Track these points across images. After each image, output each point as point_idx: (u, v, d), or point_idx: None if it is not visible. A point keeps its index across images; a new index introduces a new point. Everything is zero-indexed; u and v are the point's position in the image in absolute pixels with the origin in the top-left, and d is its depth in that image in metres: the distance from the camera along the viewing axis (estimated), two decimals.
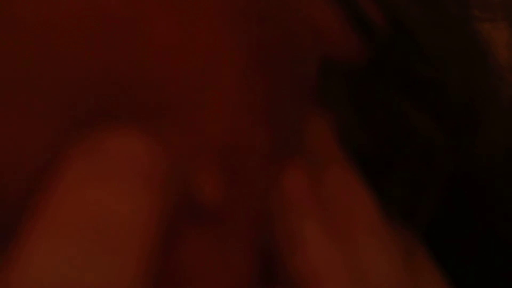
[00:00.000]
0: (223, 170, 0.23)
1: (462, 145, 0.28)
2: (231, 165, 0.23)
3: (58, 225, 0.20)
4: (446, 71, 0.29)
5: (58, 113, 0.21)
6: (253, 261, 0.24)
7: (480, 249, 0.30)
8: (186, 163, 0.23)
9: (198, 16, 0.23)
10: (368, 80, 0.28)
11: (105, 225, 0.20)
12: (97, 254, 0.20)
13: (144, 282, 0.20)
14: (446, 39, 0.29)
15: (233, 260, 0.24)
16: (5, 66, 0.21)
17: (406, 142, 0.28)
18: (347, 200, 0.25)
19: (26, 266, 0.19)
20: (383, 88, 0.28)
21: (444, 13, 0.30)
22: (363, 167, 0.26)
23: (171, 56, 0.22)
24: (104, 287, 0.19)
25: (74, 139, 0.21)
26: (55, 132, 0.21)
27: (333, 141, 0.26)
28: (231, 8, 0.23)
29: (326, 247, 0.24)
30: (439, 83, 0.29)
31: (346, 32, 0.27)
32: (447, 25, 0.29)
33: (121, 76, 0.22)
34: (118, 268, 0.20)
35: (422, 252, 0.27)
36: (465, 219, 0.30)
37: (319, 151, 0.26)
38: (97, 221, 0.20)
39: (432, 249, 0.28)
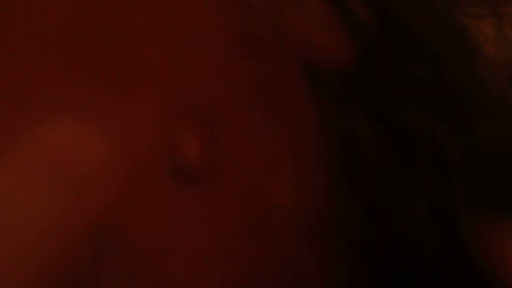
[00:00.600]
0: (204, 130, 0.23)
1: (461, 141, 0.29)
2: (212, 124, 0.24)
3: None
4: (439, 68, 0.29)
5: None
6: (242, 225, 0.24)
7: None
8: (168, 124, 0.23)
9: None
10: (363, 82, 0.28)
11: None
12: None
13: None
14: (438, 35, 0.29)
15: (221, 223, 0.24)
16: None
17: (410, 141, 0.28)
18: None
19: None
20: (378, 89, 0.28)
21: (434, 10, 0.30)
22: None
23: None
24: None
25: None
26: None
27: None
28: None
29: None
30: (433, 81, 0.29)
31: (334, 33, 0.27)
32: (438, 22, 0.30)
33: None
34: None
35: None
36: None
37: None
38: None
39: None
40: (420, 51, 0.29)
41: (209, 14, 0.25)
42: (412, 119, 0.28)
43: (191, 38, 0.24)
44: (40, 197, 0.20)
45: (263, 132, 0.25)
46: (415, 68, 0.28)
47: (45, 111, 0.22)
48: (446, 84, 0.29)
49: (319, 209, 0.26)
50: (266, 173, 0.25)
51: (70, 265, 0.20)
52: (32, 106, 0.22)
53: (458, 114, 0.29)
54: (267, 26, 0.26)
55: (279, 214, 0.25)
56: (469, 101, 0.29)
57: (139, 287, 0.23)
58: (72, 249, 0.20)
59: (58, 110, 0.22)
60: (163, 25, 0.24)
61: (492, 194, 0.29)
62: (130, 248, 0.23)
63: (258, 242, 0.24)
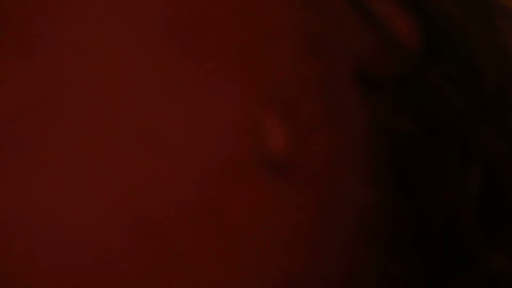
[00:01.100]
0: (287, 119, 0.25)
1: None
2: (293, 114, 0.25)
3: None
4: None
5: None
6: (317, 217, 0.25)
7: None
8: (255, 112, 0.24)
9: None
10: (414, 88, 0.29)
11: None
12: None
13: None
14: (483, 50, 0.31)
15: (296, 213, 0.25)
16: None
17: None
18: None
19: None
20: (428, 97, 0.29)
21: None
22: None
23: None
24: None
25: None
26: None
27: None
28: None
29: None
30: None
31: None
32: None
33: None
34: None
35: None
36: None
37: None
38: None
39: None
40: (466, 65, 0.30)
41: (281, 10, 0.26)
42: (462, 127, 0.29)
43: (267, 30, 0.25)
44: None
45: (331, 129, 0.26)
46: (462, 80, 0.29)
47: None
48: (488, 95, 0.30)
49: (369, 207, 0.27)
50: (336, 167, 0.26)
51: None
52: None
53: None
54: (331, 27, 0.27)
55: (346, 206, 0.26)
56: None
57: None
58: None
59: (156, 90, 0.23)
60: (243, 15, 0.25)
61: None
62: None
63: (332, 234, 0.26)
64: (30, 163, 0.23)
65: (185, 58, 0.24)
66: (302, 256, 0.25)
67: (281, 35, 0.26)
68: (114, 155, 0.23)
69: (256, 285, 0.24)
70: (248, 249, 0.24)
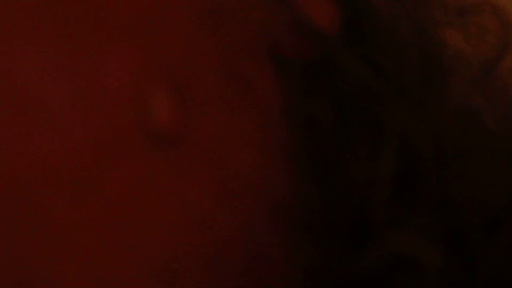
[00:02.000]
0: (176, 93, 0.24)
1: None
2: (184, 87, 0.25)
3: None
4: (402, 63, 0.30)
5: None
6: (212, 189, 0.25)
7: None
8: (142, 85, 0.24)
9: None
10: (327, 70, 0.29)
11: None
12: None
13: None
14: (404, 32, 0.30)
15: (190, 186, 0.25)
16: None
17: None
18: None
19: None
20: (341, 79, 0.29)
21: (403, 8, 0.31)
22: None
23: None
24: None
25: None
26: None
27: None
28: None
29: None
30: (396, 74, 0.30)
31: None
32: (406, 20, 0.30)
33: None
34: None
35: None
36: None
37: None
38: None
39: None
40: (386, 47, 0.29)
41: None
42: (377, 109, 0.28)
43: (161, 6, 0.25)
44: None
45: (230, 105, 0.26)
46: (381, 61, 0.29)
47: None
48: (407, 78, 0.29)
49: (283, 190, 0.27)
50: (233, 143, 0.26)
51: None
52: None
53: (422, 107, 0.29)
54: (233, 3, 0.27)
55: (246, 184, 0.26)
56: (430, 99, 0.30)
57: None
58: None
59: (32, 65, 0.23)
60: None
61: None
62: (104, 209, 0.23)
63: (226, 209, 0.25)
64: None
65: (75, 34, 0.24)
66: (194, 235, 0.25)
67: (178, 13, 0.26)
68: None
69: (134, 260, 0.24)
70: (129, 222, 0.24)
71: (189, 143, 0.25)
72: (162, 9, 0.25)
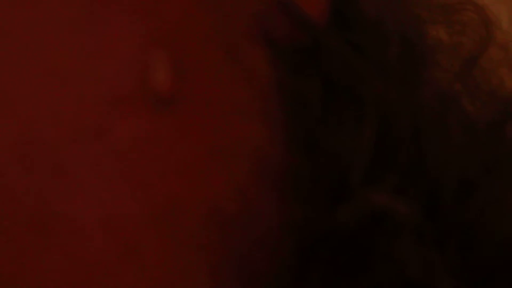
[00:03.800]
0: (174, 60, 0.27)
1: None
2: (181, 56, 0.27)
3: None
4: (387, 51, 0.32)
5: None
6: (208, 149, 0.27)
7: None
8: (145, 51, 0.27)
9: None
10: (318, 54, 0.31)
11: None
12: None
13: None
14: (391, 22, 0.33)
15: (187, 144, 0.27)
16: None
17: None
18: None
19: None
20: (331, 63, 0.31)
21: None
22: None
23: None
24: None
25: None
26: None
27: None
28: None
29: None
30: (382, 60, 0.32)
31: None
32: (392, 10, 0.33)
33: None
34: None
35: None
36: None
37: None
38: None
39: None
40: (370, 34, 0.32)
41: None
42: (360, 87, 0.31)
43: None
44: None
45: (225, 76, 0.29)
46: (365, 46, 0.32)
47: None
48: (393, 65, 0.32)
49: (277, 157, 0.29)
50: (227, 109, 0.28)
51: None
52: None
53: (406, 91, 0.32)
54: None
55: (240, 146, 0.28)
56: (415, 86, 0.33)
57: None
58: None
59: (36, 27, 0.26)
60: None
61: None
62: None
63: (223, 169, 0.28)
64: None
65: (91, 5, 0.27)
66: (189, 186, 0.27)
67: None
68: (18, 82, 0.26)
69: (137, 206, 0.26)
70: (132, 170, 0.26)
71: (184, 105, 0.27)
72: None
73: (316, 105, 0.31)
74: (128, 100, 0.27)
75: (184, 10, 0.28)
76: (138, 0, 0.27)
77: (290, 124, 0.31)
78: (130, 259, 0.26)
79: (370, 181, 0.29)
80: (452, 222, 0.30)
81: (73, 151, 0.26)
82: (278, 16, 0.31)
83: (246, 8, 0.30)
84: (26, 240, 0.26)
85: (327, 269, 0.29)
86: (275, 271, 0.29)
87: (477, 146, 0.33)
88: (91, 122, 0.26)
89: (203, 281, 0.27)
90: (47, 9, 0.26)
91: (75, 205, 0.26)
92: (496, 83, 0.36)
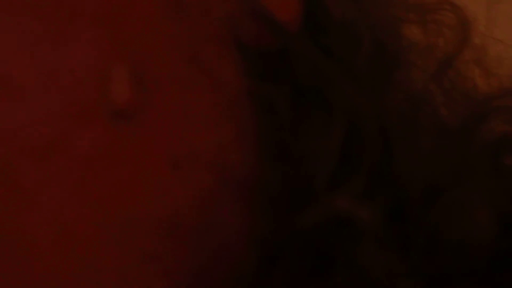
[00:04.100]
0: (136, 74, 0.27)
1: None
2: (144, 69, 0.27)
3: None
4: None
5: None
6: (168, 163, 0.27)
7: None
8: (105, 65, 0.27)
9: None
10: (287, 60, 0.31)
11: None
12: None
13: None
14: (362, 24, 0.33)
15: (146, 158, 0.27)
16: None
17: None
18: None
19: None
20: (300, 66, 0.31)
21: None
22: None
23: None
24: None
25: None
26: None
27: None
28: None
29: None
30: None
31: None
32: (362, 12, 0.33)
33: None
34: None
35: None
36: None
37: None
38: None
39: None
40: (341, 37, 0.32)
41: None
42: (329, 92, 0.31)
43: None
44: None
45: (188, 86, 0.29)
46: (335, 50, 0.32)
47: None
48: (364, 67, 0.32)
49: (245, 165, 0.29)
50: (190, 120, 0.28)
51: None
52: None
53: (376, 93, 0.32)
54: None
55: (203, 158, 0.28)
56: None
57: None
58: None
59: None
60: None
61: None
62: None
63: (183, 181, 0.28)
64: None
65: (48, 16, 0.27)
66: (146, 198, 0.27)
67: (144, 1, 0.28)
68: None
69: (93, 219, 0.26)
70: (89, 183, 0.26)
71: (144, 117, 0.27)
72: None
73: (285, 110, 0.31)
74: (85, 113, 0.27)
75: (148, 21, 0.28)
76: (102, 14, 0.27)
77: (260, 130, 0.31)
78: (85, 273, 0.26)
79: (335, 186, 0.30)
80: (417, 226, 0.30)
81: (28, 164, 0.26)
82: (248, 20, 0.31)
83: (214, 14, 0.30)
84: None
85: (290, 275, 0.29)
86: (236, 282, 0.29)
87: (448, 149, 0.33)
88: (46, 135, 0.26)
89: None
90: (10, 22, 0.26)
91: (29, 219, 0.26)
92: (470, 84, 0.36)
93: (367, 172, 0.30)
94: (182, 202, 0.28)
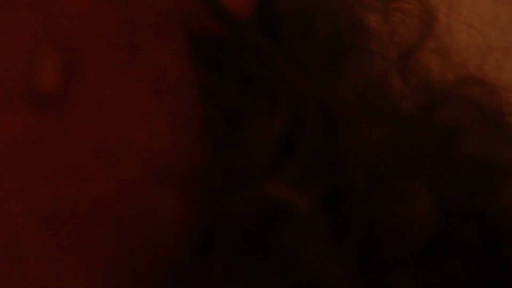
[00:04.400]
0: (66, 60, 0.27)
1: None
2: (76, 55, 0.28)
3: None
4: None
5: None
6: (96, 149, 0.28)
7: None
8: (35, 51, 0.27)
9: None
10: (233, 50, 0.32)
11: None
12: None
13: None
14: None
15: (74, 144, 0.27)
16: None
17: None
18: None
19: None
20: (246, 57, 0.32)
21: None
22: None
23: None
24: None
25: None
26: None
27: None
28: None
29: None
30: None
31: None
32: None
33: None
34: None
35: None
36: None
37: None
38: None
39: None
40: (298, 28, 0.32)
41: None
42: (275, 82, 0.31)
43: None
44: None
45: (123, 75, 0.29)
46: (288, 39, 0.32)
47: None
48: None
49: (186, 160, 0.30)
50: (120, 109, 0.28)
51: None
52: None
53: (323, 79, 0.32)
54: None
55: (131, 147, 0.28)
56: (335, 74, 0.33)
57: None
58: None
59: None
60: None
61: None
62: None
63: (112, 168, 0.28)
64: None
65: None
66: (72, 187, 0.27)
67: None
68: None
69: (21, 208, 0.27)
70: (16, 172, 0.27)
71: (73, 105, 0.28)
72: None
73: (231, 99, 0.31)
74: (12, 100, 0.27)
75: (84, 9, 0.28)
76: (35, 3, 0.28)
77: (205, 120, 0.31)
78: (12, 261, 0.26)
79: (273, 172, 0.30)
80: (355, 213, 0.30)
81: None
82: (197, 8, 0.31)
83: (161, 6, 0.30)
84: None
85: (224, 263, 0.29)
86: (166, 272, 0.29)
87: (397, 137, 0.33)
88: None
89: (81, 283, 0.27)
90: None
91: None
92: (429, 73, 0.37)
93: (306, 158, 0.30)
94: (108, 189, 0.28)
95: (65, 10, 0.28)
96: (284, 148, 0.31)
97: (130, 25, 0.29)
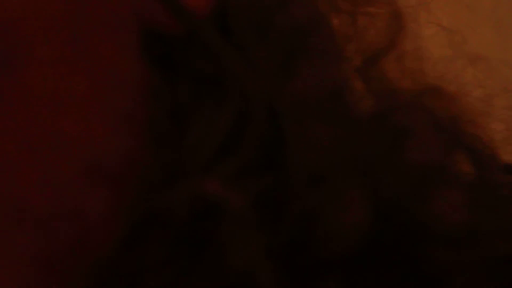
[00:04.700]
0: (3, 53, 0.27)
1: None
2: (8, 50, 0.27)
3: None
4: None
5: None
6: (16, 146, 0.27)
7: None
8: None
9: None
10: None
11: None
12: None
13: None
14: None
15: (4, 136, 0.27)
16: None
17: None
18: None
19: None
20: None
21: None
22: None
23: None
24: None
25: None
26: None
27: None
28: None
29: None
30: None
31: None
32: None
33: None
34: None
35: None
36: None
37: None
38: None
39: None
40: (249, 28, 0.33)
41: None
42: (226, 80, 0.32)
43: None
44: None
45: (65, 68, 0.29)
46: (243, 38, 0.33)
47: None
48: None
49: (122, 157, 0.30)
50: (56, 103, 0.28)
51: None
52: None
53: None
54: None
55: (65, 147, 0.28)
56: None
57: None
58: None
59: None
60: None
61: None
62: None
63: (35, 168, 0.28)
64: None
65: None
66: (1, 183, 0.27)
67: None
68: None
69: None
70: None
71: (8, 100, 0.27)
72: None
73: (180, 97, 0.32)
74: None
75: (25, 1, 0.28)
76: None
77: (153, 117, 0.31)
78: None
79: (212, 168, 0.30)
80: (291, 212, 0.31)
81: None
82: (153, 4, 0.32)
83: (115, 2, 0.30)
84: None
85: (156, 260, 0.30)
86: (94, 270, 0.29)
87: (346, 140, 0.34)
88: None
89: (1, 282, 0.27)
90: None
91: None
92: (391, 79, 0.37)
93: (247, 156, 0.31)
94: (34, 187, 0.28)
95: (6, 2, 0.28)
96: (227, 145, 0.31)
97: (76, 18, 0.29)
